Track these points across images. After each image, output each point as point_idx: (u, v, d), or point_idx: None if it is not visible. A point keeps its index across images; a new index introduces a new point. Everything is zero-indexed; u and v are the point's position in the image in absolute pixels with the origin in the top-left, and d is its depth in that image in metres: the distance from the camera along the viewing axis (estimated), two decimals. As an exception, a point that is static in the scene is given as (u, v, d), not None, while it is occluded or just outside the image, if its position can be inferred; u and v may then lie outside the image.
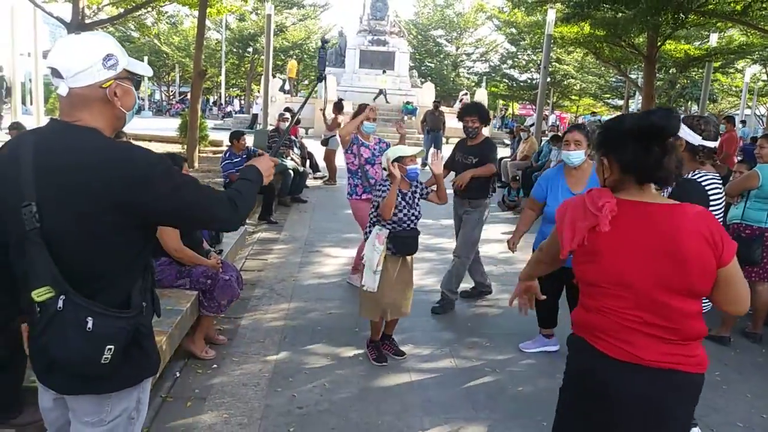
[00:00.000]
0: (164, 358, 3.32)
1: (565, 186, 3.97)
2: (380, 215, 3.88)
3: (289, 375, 3.82)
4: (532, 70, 40.61)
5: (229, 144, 8.39)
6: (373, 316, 3.99)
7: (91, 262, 1.63)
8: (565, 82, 38.36)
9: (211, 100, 46.77)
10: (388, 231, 3.88)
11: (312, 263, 6.36)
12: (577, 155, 3.86)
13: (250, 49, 36.71)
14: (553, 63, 35.31)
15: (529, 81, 42.10)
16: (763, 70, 32.52)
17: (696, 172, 2.92)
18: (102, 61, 1.63)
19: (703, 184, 2.86)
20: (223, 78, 37.16)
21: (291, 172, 9.32)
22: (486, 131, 5.48)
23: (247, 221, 7.81)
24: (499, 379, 3.94)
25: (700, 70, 19.83)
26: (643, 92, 15.37)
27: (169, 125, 18.91)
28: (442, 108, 16.53)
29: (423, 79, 32.96)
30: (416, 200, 4.01)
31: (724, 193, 3.00)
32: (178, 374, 3.74)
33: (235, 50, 37.90)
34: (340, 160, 12.43)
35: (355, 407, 3.48)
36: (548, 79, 35.94)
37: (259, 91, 31.74)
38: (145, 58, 34.86)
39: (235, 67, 40.03)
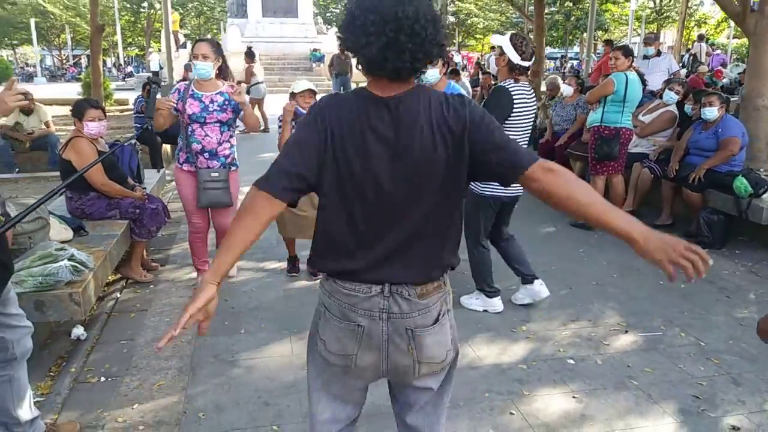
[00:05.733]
0: (105, 275, 3.77)
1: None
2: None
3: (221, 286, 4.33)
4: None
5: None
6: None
7: None
8: (469, 21, 39.14)
9: (109, 62, 44.37)
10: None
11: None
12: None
13: (146, 4, 35.06)
14: (456, 2, 35.94)
15: (434, 22, 42.56)
16: (650, -1, 34.54)
17: (507, 81, 3.65)
18: None
19: (510, 90, 3.60)
20: (119, 37, 35.34)
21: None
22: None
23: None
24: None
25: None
26: (534, 24, 16.30)
27: (67, 90, 18.19)
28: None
29: (328, 26, 32.80)
30: None
31: (533, 102, 3.72)
32: (119, 295, 4.19)
33: (129, 6, 36.07)
34: (267, 107, 12.95)
35: (279, 304, 4.08)
36: (452, 19, 36.55)
37: (152, 48, 30.54)
38: (32, 21, 32.67)
39: (131, 25, 38.16)
